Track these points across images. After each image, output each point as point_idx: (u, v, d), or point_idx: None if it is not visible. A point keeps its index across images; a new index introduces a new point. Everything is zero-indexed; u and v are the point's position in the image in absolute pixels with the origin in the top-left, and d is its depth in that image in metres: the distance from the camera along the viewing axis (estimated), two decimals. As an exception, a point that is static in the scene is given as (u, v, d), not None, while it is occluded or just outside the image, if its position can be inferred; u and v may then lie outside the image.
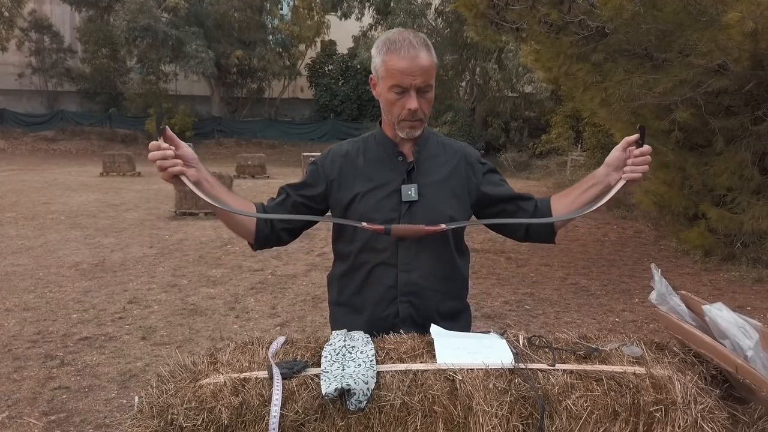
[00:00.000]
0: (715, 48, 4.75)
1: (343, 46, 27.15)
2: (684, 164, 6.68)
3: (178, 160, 1.27)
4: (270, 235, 1.46)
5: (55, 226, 8.28)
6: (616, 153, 1.40)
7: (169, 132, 1.26)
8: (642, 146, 1.36)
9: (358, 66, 24.25)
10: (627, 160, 1.37)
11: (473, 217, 1.55)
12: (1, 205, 10.01)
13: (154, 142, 1.25)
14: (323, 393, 1.00)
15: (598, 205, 1.42)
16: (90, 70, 27.48)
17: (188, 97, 28.17)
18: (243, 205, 1.42)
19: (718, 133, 5.86)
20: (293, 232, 1.51)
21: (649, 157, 1.37)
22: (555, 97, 18.45)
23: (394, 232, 1.36)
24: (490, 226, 1.56)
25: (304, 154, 14.30)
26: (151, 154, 1.25)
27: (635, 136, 1.37)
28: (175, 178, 1.28)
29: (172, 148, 1.27)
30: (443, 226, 1.38)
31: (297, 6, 26.08)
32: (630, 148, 1.38)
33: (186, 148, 1.30)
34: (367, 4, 23.11)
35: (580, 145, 16.22)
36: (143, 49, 24.39)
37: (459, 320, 1.51)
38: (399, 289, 1.42)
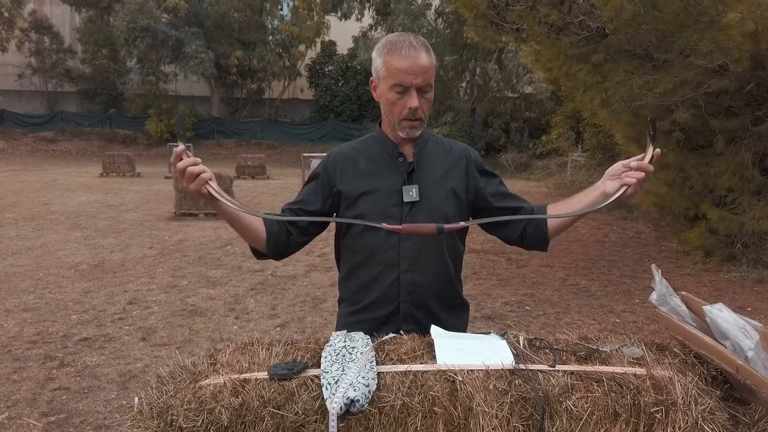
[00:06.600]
0: (716, 49, 4.75)
1: (343, 46, 27.19)
2: (684, 165, 6.68)
3: (206, 169, 1.27)
4: (286, 241, 1.46)
5: (55, 226, 8.29)
6: (617, 165, 1.38)
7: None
8: (654, 138, 1.33)
9: (358, 66, 24.28)
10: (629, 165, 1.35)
11: (470, 219, 1.55)
12: (1, 206, 10.02)
13: (179, 149, 1.24)
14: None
15: (593, 209, 1.40)
16: (90, 71, 27.56)
17: (188, 98, 28.22)
18: (253, 219, 1.42)
19: (718, 134, 5.86)
20: (304, 243, 1.53)
21: (650, 166, 1.32)
22: (555, 97, 18.49)
23: (405, 231, 1.35)
24: (487, 230, 1.58)
25: (305, 154, 14.29)
26: (180, 162, 1.24)
27: (639, 157, 1.33)
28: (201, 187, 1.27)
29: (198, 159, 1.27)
30: (461, 224, 1.37)
31: (297, 6, 26.12)
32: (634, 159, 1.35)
33: (198, 161, 1.28)
34: (367, 4, 23.17)
35: (580, 146, 16.22)
36: (143, 50, 24.43)
37: (460, 317, 1.54)
38: (402, 289, 1.44)
